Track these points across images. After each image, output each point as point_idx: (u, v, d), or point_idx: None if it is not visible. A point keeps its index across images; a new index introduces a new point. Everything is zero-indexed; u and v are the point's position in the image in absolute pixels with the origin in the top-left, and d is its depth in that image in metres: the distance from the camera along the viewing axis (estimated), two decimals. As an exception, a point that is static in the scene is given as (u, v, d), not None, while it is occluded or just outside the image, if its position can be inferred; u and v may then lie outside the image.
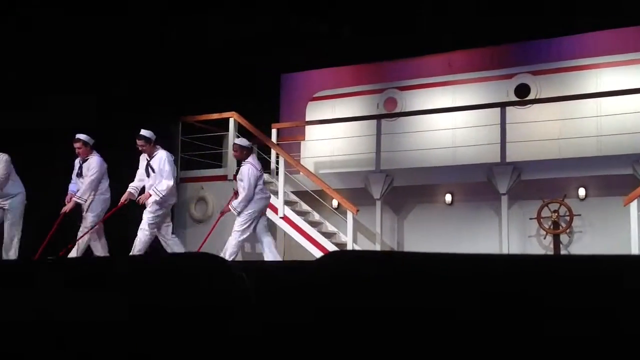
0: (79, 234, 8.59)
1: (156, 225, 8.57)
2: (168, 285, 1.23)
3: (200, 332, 1.18)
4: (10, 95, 8.80)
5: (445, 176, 10.13)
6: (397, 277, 1.12)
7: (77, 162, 8.77)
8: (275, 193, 10.23)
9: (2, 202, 8.51)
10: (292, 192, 10.72)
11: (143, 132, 8.60)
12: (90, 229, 8.53)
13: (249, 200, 8.58)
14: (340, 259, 1.27)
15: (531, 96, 10.62)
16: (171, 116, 10.80)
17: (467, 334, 1.02)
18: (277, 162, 10.72)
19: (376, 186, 10.19)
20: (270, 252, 8.68)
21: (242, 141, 8.99)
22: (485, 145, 10.09)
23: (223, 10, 11.36)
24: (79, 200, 8.50)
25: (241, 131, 10.66)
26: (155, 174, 8.61)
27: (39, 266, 1.49)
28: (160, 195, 8.41)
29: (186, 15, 10.99)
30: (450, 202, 10.27)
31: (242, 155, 8.80)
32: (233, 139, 10.49)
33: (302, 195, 10.69)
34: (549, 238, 9.50)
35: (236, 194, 8.79)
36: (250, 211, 8.60)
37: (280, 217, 10.10)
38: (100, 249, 8.71)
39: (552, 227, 9.40)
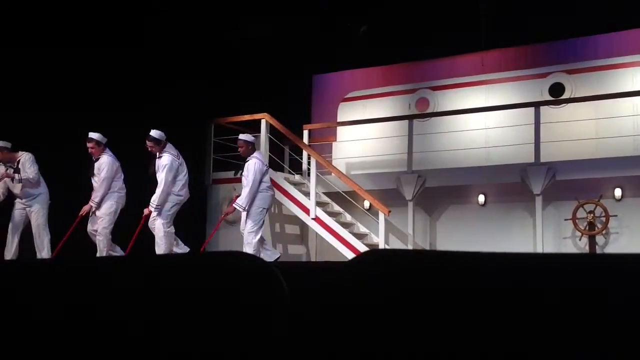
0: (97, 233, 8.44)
1: (171, 220, 8.47)
2: (205, 284, 1.23)
3: (238, 333, 1.17)
4: (37, 98, 8.88)
5: (478, 177, 10.04)
6: (432, 275, 1.10)
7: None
8: (307, 194, 10.23)
9: (26, 203, 8.52)
10: (323, 193, 10.71)
11: (152, 132, 8.45)
12: (108, 227, 8.39)
13: (253, 195, 8.48)
14: (376, 257, 1.26)
15: (566, 95, 10.48)
16: (203, 118, 10.86)
17: (504, 333, 1.00)
18: (309, 163, 10.71)
19: (408, 187, 10.14)
20: (265, 252, 8.56)
21: (247, 136, 8.85)
22: (519, 145, 9.98)
23: (254, 11, 11.40)
24: (92, 204, 8.40)
25: (273, 132, 10.69)
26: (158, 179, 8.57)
27: (75, 265, 1.50)
28: (153, 207, 8.30)
29: (218, 15, 11.04)
30: (483, 202, 10.18)
31: (247, 150, 8.70)
32: (265, 140, 10.53)
33: (334, 196, 10.68)
34: (585, 239, 9.36)
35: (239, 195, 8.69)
36: (260, 209, 8.53)
37: (312, 218, 10.09)
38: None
39: (587, 228, 9.26)
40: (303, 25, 11.94)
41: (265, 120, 10.62)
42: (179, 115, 10.07)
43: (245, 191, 8.47)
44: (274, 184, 10.38)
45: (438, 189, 10.17)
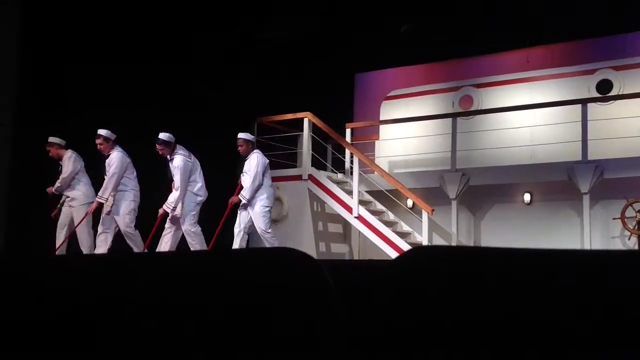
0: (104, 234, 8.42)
1: (196, 221, 8.51)
2: (256, 281, 1.23)
3: (288, 331, 1.17)
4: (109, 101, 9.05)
5: (524, 175, 9.90)
6: (483, 273, 1.08)
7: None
8: (350, 193, 10.22)
9: (69, 202, 8.63)
10: (366, 191, 10.69)
11: (161, 135, 8.41)
12: (131, 225, 8.38)
13: (257, 187, 8.53)
14: (424, 253, 1.24)
15: (614, 92, 10.27)
16: (247, 117, 10.93)
17: (559, 333, 0.98)
18: (352, 162, 10.70)
19: (452, 185, 10.06)
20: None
21: (247, 135, 8.86)
22: (566, 143, 9.81)
23: (297, 10, 11.43)
24: (100, 200, 8.31)
25: (315, 131, 10.70)
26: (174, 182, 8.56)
27: (132, 259, 1.52)
28: (170, 209, 8.33)
29: (261, 14, 11.10)
30: (528, 201, 10.03)
31: (247, 149, 8.73)
32: (308, 139, 10.55)
33: (377, 194, 10.65)
34: (634, 239, 9.16)
35: (241, 187, 8.70)
36: (266, 208, 8.60)
37: (355, 217, 10.08)
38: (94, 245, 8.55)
39: (636, 227, 9.06)
40: (346, 23, 11.92)
41: (308, 119, 10.64)
42: (223, 115, 10.15)
43: (249, 184, 8.50)
44: (317, 183, 10.42)
45: (482, 187, 10.06)
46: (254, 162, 8.60)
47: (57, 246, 8.54)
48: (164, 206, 8.42)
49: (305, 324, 1.12)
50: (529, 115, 10.67)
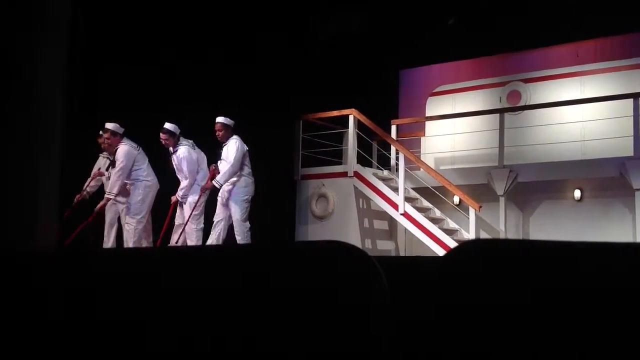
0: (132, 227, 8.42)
1: (201, 216, 8.52)
2: (301, 275, 1.22)
3: (338, 330, 1.16)
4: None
5: (574, 171, 9.71)
6: (543, 265, 1.05)
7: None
8: (396, 189, 10.17)
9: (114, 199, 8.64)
10: (412, 188, 10.63)
11: (167, 125, 8.41)
12: (139, 215, 8.37)
13: (234, 173, 8.37)
14: (480, 247, 1.21)
15: (668, 86, 9.99)
16: (292, 114, 10.96)
17: (618, 328, 0.94)
18: (397, 159, 10.64)
19: (499, 182, 9.92)
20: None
21: (226, 120, 8.62)
22: (617, 139, 9.59)
23: (342, 6, 11.42)
24: (109, 196, 8.32)
25: (361, 128, 10.68)
26: (178, 172, 8.54)
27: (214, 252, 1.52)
28: (180, 197, 8.37)
29: (307, 11, 11.12)
30: (579, 198, 9.84)
31: (226, 134, 8.54)
32: (353, 135, 10.53)
33: (423, 191, 10.57)
34: (689, 236, 8.90)
35: (214, 172, 8.53)
36: (245, 197, 8.48)
37: (401, 214, 10.02)
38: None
39: (692, 224, 8.81)
40: (390, 19, 11.86)
41: (353, 115, 10.61)
42: (268, 112, 10.19)
43: (226, 169, 8.35)
44: (362, 180, 10.39)
45: (531, 184, 9.91)
46: (233, 148, 8.41)
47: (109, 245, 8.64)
48: (177, 195, 8.48)
49: (361, 312, 1.10)
50: (579, 110, 10.46)
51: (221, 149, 8.61)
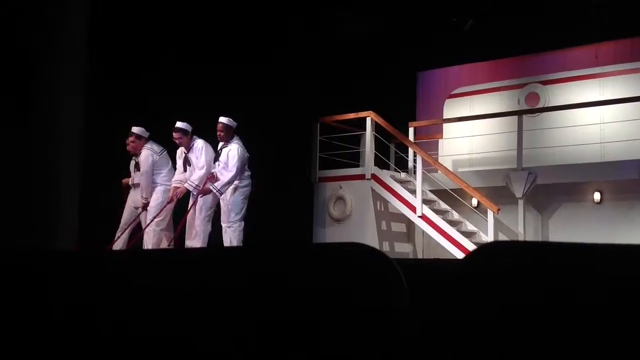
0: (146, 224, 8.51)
1: (211, 216, 8.41)
2: (322, 277, 1.22)
3: (359, 332, 1.15)
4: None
5: (594, 173, 9.63)
6: (562, 267, 1.04)
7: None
8: (413, 192, 10.14)
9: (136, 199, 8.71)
10: (430, 190, 10.59)
11: (179, 124, 8.39)
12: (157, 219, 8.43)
13: (234, 181, 8.17)
14: (501, 249, 1.21)
15: (688, 87, 9.89)
16: (310, 116, 10.97)
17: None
18: (415, 161, 10.61)
19: (518, 184, 9.86)
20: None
21: (229, 120, 8.39)
22: (637, 141, 9.50)
23: (358, 7, 11.41)
24: (143, 201, 8.47)
25: (378, 130, 10.66)
26: (192, 167, 8.45)
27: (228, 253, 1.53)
28: (193, 186, 8.21)
29: (320, 11, 11.12)
30: (599, 200, 9.75)
31: (228, 136, 8.33)
32: (371, 138, 10.51)
33: (441, 193, 10.53)
34: None
35: (212, 177, 8.34)
36: (242, 197, 8.32)
37: (419, 216, 9.99)
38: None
39: None
40: (408, 21, 11.84)
41: (370, 118, 10.60)
42: (285, 114, 10.21)
43: (226, 176, 8.14)
44: (380, 182, 10.37)
45: (550, 186, 9.84)
46: (234, 155, 8.18)
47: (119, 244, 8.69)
48: (188, 185, 8.35)
49: (381, 314, 1.10)
50: (598, 112, 10.38)
51: (220, 150, 8.44)
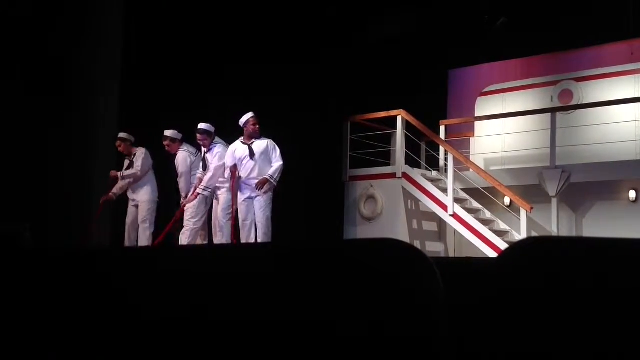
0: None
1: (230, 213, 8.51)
2: (375, 267, 1.22)
3: (393, 326, 1.16)
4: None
5: (629, 171, 9.48)
6: (598, 262, 1.03)
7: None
8: (445, 190, 10.08)
9: (132, 197, 8.87)
10: (461, 189, 10.52)
11: (202, 125, 8.47)
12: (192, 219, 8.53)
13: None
14: (538, 245, 1.20)
15: None
16: (340, 115, 10.96)
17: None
18: (446, 159, 10.55)
19: (551, 183, 9.75)
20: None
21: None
22: (674, 138, 9.35)
23: (389, 7, 11.39)
24: (183, 201, 8.68)
25: (409, 129, 10.62)
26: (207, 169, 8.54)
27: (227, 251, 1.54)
28: (203, 188, 8.37)
29: (352, 12, 11.12)
30: (634, 199, 9.60)
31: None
32: (402, 136, 10.48)
33: (473, 192, 10.45)
34: None
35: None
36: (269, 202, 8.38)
37: (450, 215, 9.93)
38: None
39: None
40: (439, 19, 11.78)
41: (401, 116, 10.56)
42: (317, 113, 10.22)
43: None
44: (411, 181, 10.34)
45: (584, 184, 9.71)
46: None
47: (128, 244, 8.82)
48: (198, 189, 8.47)
49: (416, 310, 1.10)
50: (633, 109, 10.21)
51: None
